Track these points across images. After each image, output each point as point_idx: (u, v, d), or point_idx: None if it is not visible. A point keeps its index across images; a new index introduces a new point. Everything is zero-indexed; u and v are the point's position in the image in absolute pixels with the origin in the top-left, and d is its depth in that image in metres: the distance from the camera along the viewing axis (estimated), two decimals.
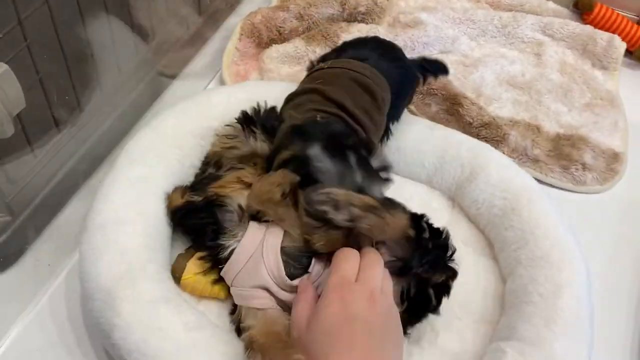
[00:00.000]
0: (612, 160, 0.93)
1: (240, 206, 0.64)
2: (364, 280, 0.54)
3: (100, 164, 0.83)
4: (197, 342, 0.58)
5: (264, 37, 1.03)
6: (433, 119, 0.93)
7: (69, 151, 0.78)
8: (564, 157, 0.91)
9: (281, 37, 1.04)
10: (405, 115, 0.86)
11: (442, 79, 0.95)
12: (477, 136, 0.89)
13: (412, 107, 0.96)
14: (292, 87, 0.84)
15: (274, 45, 1.03)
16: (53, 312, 0.68)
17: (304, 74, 0.89)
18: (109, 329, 0.58)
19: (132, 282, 0.60)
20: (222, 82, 0.98)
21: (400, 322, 0.55)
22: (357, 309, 0.51)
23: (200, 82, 1.01)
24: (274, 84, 0.86)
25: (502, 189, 0.76)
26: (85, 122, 0.80)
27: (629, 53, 1.14)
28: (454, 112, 0.94)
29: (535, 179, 0.82)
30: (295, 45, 1.02)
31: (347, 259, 0.56)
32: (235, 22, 1.05)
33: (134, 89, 0.89)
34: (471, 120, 0.92)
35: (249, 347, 0.56)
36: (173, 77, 1.00)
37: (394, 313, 0.55)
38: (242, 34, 1.01)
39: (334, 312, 0.51)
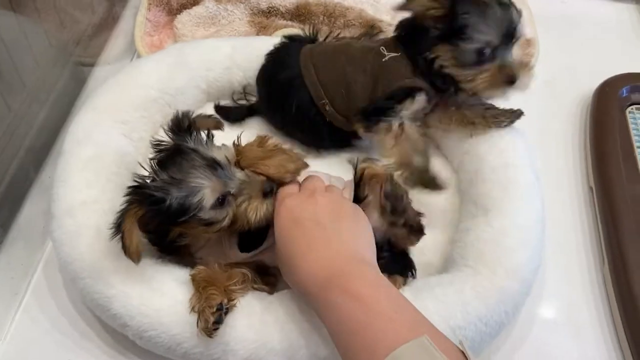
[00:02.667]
0: (526, 46, 1.01)
1: None
2: (304, 187, 0.59)
3: (46, 157, 0.82)
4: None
5: (174, 3, 1.02)
6: None
7: (14, 146, 0.77)
8: None
9: (190, 1, 1.04)
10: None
11: (355, 7, 0.99)
12: None
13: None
14: (221, 43, 0.86)
15: (184, 10, 1.02)
16: (40, 304, 0.69)
17: (222, 34, 0.91)
18: (106, 302, 0.60)
19: (117, 255, 0.60)
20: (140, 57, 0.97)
21: (356, 208, 0.58)
22: (300, 210, 0.55)
23: (120, 63, 0.99)
24: (197, 43, 0.87)
25: None
26: (17, 123, 0.78)
27: None
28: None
29: None
30: (206, 6, 1.02)
31: (285, 186, 0.60)
32: None
33: (57, 80, 0.88)
34: None
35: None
36: (92, 64, 0.98)
37: (344, 202, 0.58)
38: (150, 4, 1.00)
39: (283, 221, 0.55)
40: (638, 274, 0.70)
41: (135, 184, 0.56)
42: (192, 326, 0.56)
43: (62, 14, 0.89)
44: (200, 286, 0.57)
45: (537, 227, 0.66)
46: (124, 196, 0.55)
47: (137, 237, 0.54)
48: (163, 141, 0.59)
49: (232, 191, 0.56)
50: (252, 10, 1.03)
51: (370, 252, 0.55)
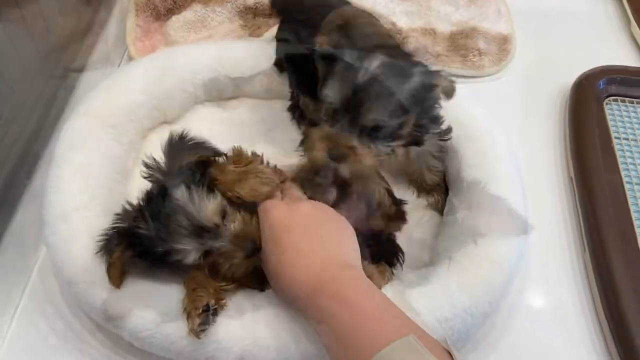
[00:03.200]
0: (503, 42, 1.03)
1: None
2: (286, 196, 0.61)
3: (36, 164, 0.83)
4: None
5: (160, 8, 1.03)
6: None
7: (5, 153, 0.77)
8: (461, 47, 1.00)
9: (177, 5, 1.05)
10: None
11: None
12: None
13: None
14: (207, 47, 0.87)
15: (173, 16, 1.03)
16: (36, 308, 0.70)
17: (214, 37, 0.91)
18: (100, 304, 0.61)
19: None
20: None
21: (337, 214, 0.60)
22: (285, 220, 0.57)
23: (109, 68, 1.00)
24: (187, 47, 0.89)
25: None
26: (7, 130, 0.79)
27: None
28: None
29: None
30: (194, 10, 1.03)
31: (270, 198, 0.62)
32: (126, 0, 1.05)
33: (46, 86, 0.88)
34: None
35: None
36: (81, 69, 0.99)
37: (326, 209, 0.60)
38: (137, 10, 1.01)
39: (270, 231, 0.57)
40: (617, 259, 0.73)
41: (121, 224, 0.60)
42: (185, 325, 0.58)
43: (49, 20, 0.90)
44: (190, 288, 0.59)
45: (519, 220, 0.68)
46: (112, 228, 0.60)
47: (122, 268, 0.59)
48: (155, 167, 0.61)
49: (216, 248, 0.58)
50: (239, 8, 1.04)
51: (355, 256, 0.57)
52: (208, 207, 0.57)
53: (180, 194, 0.56)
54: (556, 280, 0.76)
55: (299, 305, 0.53)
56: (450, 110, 0.70)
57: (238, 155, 0.65)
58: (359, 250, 0.59)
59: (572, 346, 0.70)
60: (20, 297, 0.71)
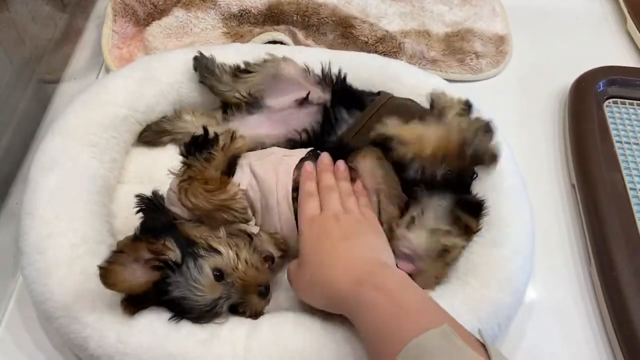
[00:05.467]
0: (500, 43, 1.00)
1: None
2: (326, 208, 0.63)
3: (12, 183, 0.78)
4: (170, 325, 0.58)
5: (140, 13, 0.98)
6: (331, 46, 0.95)
7: None
8: (457, 51, 0.96)
9: (158, 10, 1.00)
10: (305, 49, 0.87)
11: (328, 3, 0.97)
12: (376, 52, 0.92)
13: (309, 40, 0.97)
14: (191, 54, 0.82)
15: (154, 21, 0.99)
16: (15, 339, 0.66)
17: (196, 45, 0.87)
18: (82, 342, 0.57)
19: (88, 291, 0.59)
20: (108, 72, 0.93)
21: (372, 223, 0.63)
22: (327, 228, 0.60)
23: (87, 78, 0.95)
24: (166, 55, 0.83)
25: (417, 94, 0.78)
26: None
27: None
28: (349, 35, 0.96)
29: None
30: (176, 15, 0.99)
31: (306, 201, 0.64)
32: (104, 5, 0.99)
33: (20, 100, 0.83)
34: (366, 39, 0.94)
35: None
36: (57, 81, 0.94)
37: (363, 221, 0.63)
38: (115, 15, 0.96)
39: (312, 237, 0.60)
40: (626, 273, 0.70)
41: None
42: (174, 358, 0.55)
43: (21, 30, 0.85)
44: None
45: (528, 236, 0.65)
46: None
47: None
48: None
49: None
50: (223, 15, 1.01)
51: (389, 257, 0.60)
52: (204, 286, 0.57)
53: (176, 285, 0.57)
54: (562, 295, 0.74)
55: (341, 299, 0.54)
56: None
57: (216, 169, 0.63)
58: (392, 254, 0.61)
59: None
60: None
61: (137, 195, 0.62)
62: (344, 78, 0.76)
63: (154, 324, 0.57)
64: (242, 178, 0.65)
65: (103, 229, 0.67)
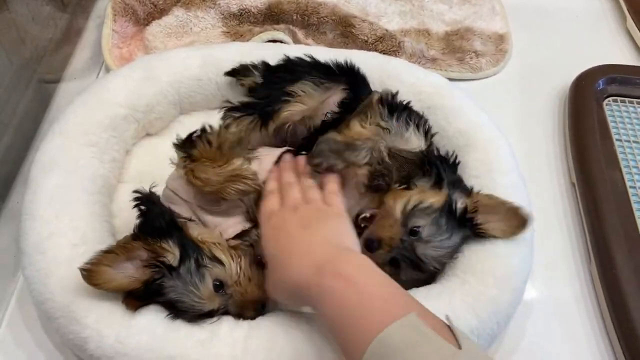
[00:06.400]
0: (499, 42, 1.00)
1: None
2: (285, 200, 0.62)
3: (13, 183, 0.78)
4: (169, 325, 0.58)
5: (140, 13, 0.98)
6: (331, 45, 0.95)
7: None
8: (457, 50, 0.96)
9: (158, 10, 1.00)
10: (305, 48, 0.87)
11: (328, 2, 0.97)
12: (376, 51, 0.92)
13: (309, 39, 0.97)
14: (190, 55, 0.82)
15: (154, 21, 0.98)
16: (15, 339, 0.66)
17: (196, 44, 0.86)
18: (81, 343, 0.57)
19: (87, 291, 0.58)
20: (109, 71, 0.93)
21: (335, 212, 0.61)
22: (286, 224, 0.58)
23: (87, 78, 0.95)
24: (166, 54, 0.83)
25: (416, 92, 0.78)
26: None
27: None
28: (349, 34, 0.96)
29: None
30: (176, 15, 0.99)
31: (267, 198, 0.63)
32: (104, 4, 0.99)
33: (20, 100, 0.83)
34: (366, 38, 0.94)
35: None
36: (57, 81, 0.94)
37: (323, 209, 0.61)
38: (115, 15, 0.96)
39: (270, 233, 0.59)
40: (626, 271, 0.71)
41: None
42: (173, 359, 0.55)
43: (21, 30, 0.85)
44: None
45: (526, 234, 0.65)
46: None
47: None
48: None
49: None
50: (222, 14, 1.01)
51: (354, 243, 0.57)
52: (203, 296, 0.57)
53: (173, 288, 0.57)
54: (562, 293, 0.74)
55: (303, 291, 0.52)
56: (452, 121, 0.66)
57: (218, 148, 0.63)
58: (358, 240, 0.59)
59: None
60: None
61: (134, 191, 0.61)
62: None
63: (152, 324, 0.57)
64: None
65: (103, 229, 0.67)
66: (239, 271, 0.59)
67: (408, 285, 0.60)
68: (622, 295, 0.69)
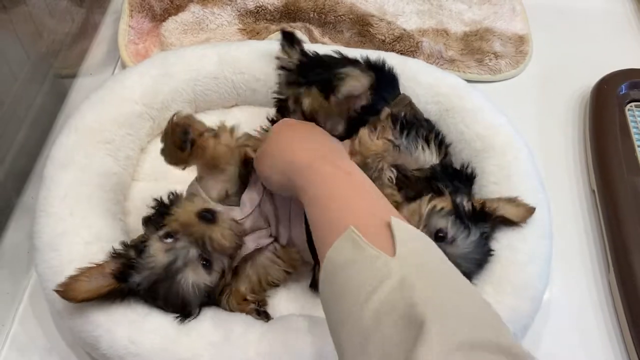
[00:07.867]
0: (519, 44, 0.98)
1: None
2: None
3: (27, 177, 0.78)
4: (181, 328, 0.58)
5: (157, 9, 0.98)
6: (348, 44, 0.94)
7: None
8: (476, 51, 0.95)
9: (174, 6, 0.99)
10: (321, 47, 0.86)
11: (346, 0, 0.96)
12: (393, 51, 0.91)
13: (325, 38, 0.96)
14: (206, 52, 0.82)
15: (170, 17, 0.98)
16: (27, 334, 0.66)
17: (212, 41, 0.85)
18: (93, 342, 0.57)
19: None
20: (124, 67, 0.93)
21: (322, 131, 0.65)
22: (292, 126, 0.64)
23: (103, 74, 0.95)
24: (182, 51, 0.83)
25: (433, 93, 0.77)
26: None
27: None
28: (366, 33, 0.95)
29: None
30: (192, 11, 0.98)
31: None
32: (121, 0, 0.99)
33: (37, 95, 0.83)
34: (383, 38, 0.93)
35: None
36: (73, 76, 0.94)
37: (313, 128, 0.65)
38: (132, 10, 0.95)
39: (277, 127, 0.64)
40: None
41: None
42: None
43: (38, 24, 0.85)
44: None
45: (545, 242, 0.64)
46: None
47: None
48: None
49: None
50: (239, 11, 1.00)
51: (345, 155, 0.62)
52: (153, 253, 0.58)
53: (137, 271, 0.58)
54: (579, 301, 0.72)
55: (302, 173, 0.53)
56: (470, 124, 0.65)
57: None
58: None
59: None
60: (11, 322, 0.67)
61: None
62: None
63: (164, 326, 0.57)
64: (254, 191, 0.64)
65: (117, 226, 0.67)
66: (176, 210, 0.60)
67: None
68: None
